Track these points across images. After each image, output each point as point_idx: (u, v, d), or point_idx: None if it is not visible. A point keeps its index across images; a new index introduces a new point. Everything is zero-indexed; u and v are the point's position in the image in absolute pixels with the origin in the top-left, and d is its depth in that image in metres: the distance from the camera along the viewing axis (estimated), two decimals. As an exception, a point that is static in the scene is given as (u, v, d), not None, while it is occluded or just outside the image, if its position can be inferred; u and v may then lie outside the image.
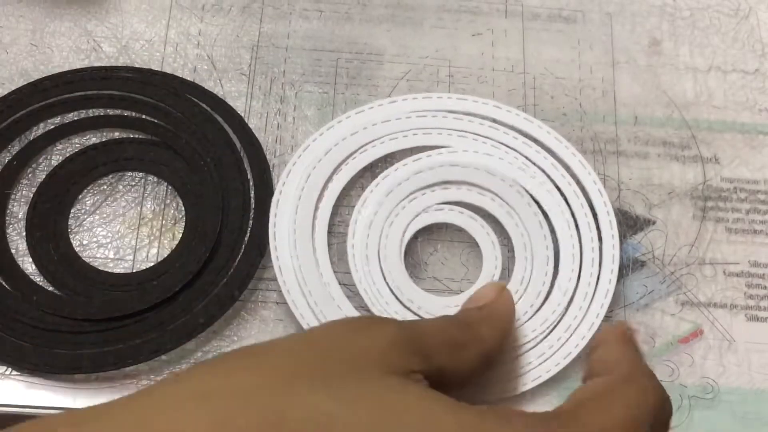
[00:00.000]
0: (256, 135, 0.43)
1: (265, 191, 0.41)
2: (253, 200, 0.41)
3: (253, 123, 0.43)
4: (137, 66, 0.44)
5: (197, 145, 0.42)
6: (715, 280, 0.42)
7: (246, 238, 0.40)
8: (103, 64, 0.44)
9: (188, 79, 0.44)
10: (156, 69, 0.44)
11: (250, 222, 0.40)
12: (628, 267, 0.41)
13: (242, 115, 0.43)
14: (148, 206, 0.41)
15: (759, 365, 0.40)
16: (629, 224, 0.42)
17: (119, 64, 0.44)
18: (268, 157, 0.42)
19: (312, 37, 0.46)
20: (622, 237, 0.42)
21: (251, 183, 0.41)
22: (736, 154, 0.44)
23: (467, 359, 0.31)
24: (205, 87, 0.44)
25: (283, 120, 0.44)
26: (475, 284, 0.40)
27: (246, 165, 0.42)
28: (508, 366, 0.38)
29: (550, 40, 0.47)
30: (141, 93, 0.43)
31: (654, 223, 0.42)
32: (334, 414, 0.24)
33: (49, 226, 0.40)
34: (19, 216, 0.41)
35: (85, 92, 0.43)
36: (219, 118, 0.43)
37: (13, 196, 0.41)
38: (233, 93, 0.44)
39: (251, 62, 0.45)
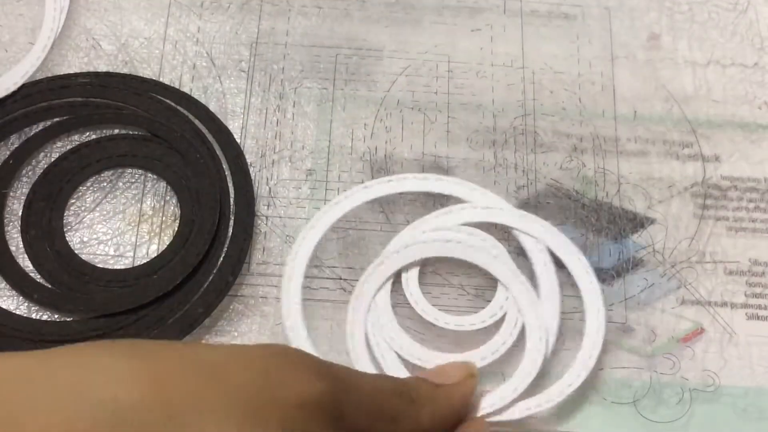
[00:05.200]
0: (256, 131, 0.43)
1: (243, 176, 0.41)
2: (231, 187, 0.41)
3: (252, 119, 0.43)
4: (103, 71, 0.44)
5: (170, 137, 0.42)
6: (715, 277, 0.42)
7: (231, 224, 0.40)
8: (102, 62, 0.44)
9: (158, 79, 0.44)
10: (113, 71, 0.44)
11: (232, 208, 0.41)
12: (628, 262, 0.41)
13: (241, 111, 0.43)
14: (148, 203, 0.41)
15: (760, 359, 0.40)
16: (629, 218, 0.42)
17: (118, 62, 0.44)
18: (266, 153, 0.43)
19: (311, 34, 0.46)
20: (621, 232, 0.42)
21: (227, 170, 0.41)
22: (736, 147, 0.44)
23: None
24: (205, 83, 0.44)
25: (283, 116, 0.44)
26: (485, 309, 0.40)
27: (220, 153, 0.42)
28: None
29: (549, 35, 0.47)
30: (101, 97, 0.43)
31: (654, 220, 0.42)
32: None
33: (44, 224, 0.40)
34: (18, 214, 0.41)
35: (47, 102, 0.43)
36: (184, 111, 0.43)
37: (12, 194, 0.41)
38: (232, 90, 0.44)
39: (250, 59, 0.45)
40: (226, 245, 0.40)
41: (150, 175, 0.42)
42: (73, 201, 0.41)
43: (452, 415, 0.30)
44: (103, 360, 0.22)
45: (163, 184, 0.42)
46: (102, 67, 0.44)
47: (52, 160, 0.42)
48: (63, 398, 0.21)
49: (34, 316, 0.39)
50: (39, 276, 0.39)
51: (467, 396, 0.31)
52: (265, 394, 0.23)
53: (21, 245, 0.40)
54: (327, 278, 0.40)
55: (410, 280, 0.40)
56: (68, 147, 0.42)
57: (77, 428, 0.21)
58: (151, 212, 0.41)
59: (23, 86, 0.43)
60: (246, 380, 0.23)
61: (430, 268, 0.41)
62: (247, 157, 0.42)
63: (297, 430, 0.23)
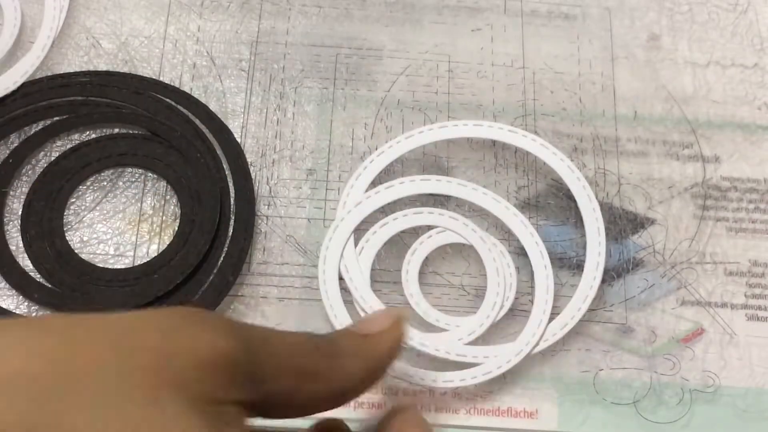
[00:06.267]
0: (256, 131, 0.43)
1: (243, 176, 0.41)
2: (232, 186, 0.41)
3: (252, 119, 0.43)
4: (100, 69, 0.44)
5: (170, 136, 0.42)
6: (715, 278, 0.42)
7: (231, 224, 0.40)
8: (102, 61, 0.44)
9: (158, 78, 0.44)
10: (113, 70, 0.44)
11: (233, 208, 0.41)
12: (628, 263, 0.41)
13: (241, 111, 0.43)
14: (148, 202, 0.41)
15: (760, 359, 0.40)
16: (629, 219, 0.42)
17: (119, 61, 0.44)
18: (267, 152, 0.43)
19: (311, 33, 0.46)
20: (621, 233, 0.42)
21: (227, 170, 0.42)
22: (736, 148, 0.44)
23: (313, 392, 0.26)
24: (205, 83, 0.44)
25: (283, 116, 0.44)
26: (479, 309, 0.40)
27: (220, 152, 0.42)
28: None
29: (550, 35, 0.47)
30: (101, 96, 0.43)
31: (654, 221, 0.42)
32: None
33: (44, 223, 0.40)
34: (18, 213, 0.40)
35: (47, 101, 0.43)
36: (184, 110, 0.43)
37: (12, 193, 0.41)
38: (233, 89, 0.44)
39: (250, 58, 0.45)
40: (226, 245, 0.40)
41: (150, 174, 0.42)
42: (73, 200, 0.41)
43: (380, 366, 0.28)
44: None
45: (163, 183, 0.42)
46: (102, 66, 0.44)
47: (52, 159, 0.42)
48: None
49: (34, 315, 0.39)
50: (39, 276, 0.39)
51: (395, 342, 0.29)
52: (162, 355, 0.22)
53: (21, 245, 0.40)
54: (327, 278, 0.40)
55: (411, 281, 0.40)
56: (68, 146, 0.42)
57: None
58: (151, 211, 0.41)
59: (23, 85, 0.43)
60: (143, 342, 0.22)
61: (430, 268, 0.41)
62: (247, 156, 0.42)
63: (194, 392, 0.21)
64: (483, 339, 0.39)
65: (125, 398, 0.21)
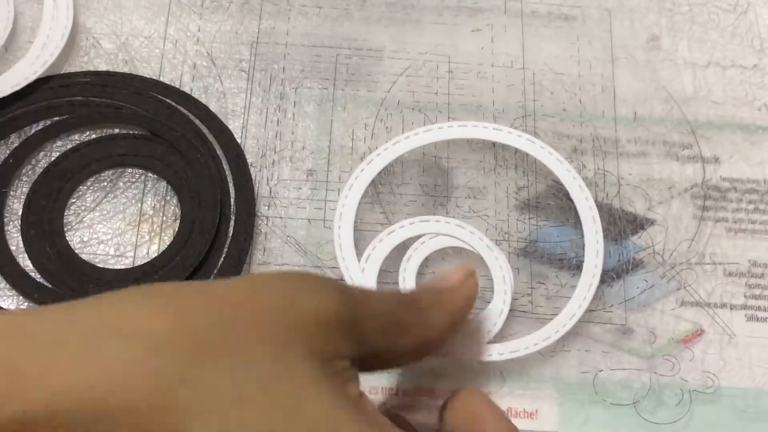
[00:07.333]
0: (256, 131, 0.43)
1: (243, 176, 0.41)
2: (232, 186, 0.41)
3: (252, 119, 0.43)
4: (100, 69, 0.44)
5: (173, 137, 0.42)
6: (715, 278, 0.42)
7: (231, 224, 0.40)
8: (102, 61, 0.44)
9: (159, 78, 0.44)
10: (113, 71, 0.44)
11: (233, 208, 0.41)
12: (628, 263, 0.41)
13: (242, 111, 0.43)
14: (149, 203, 0.41)
15: (759, 360, 0.40)
16: (629, 219, 0.42)
17: (119, 61, 0.44)
18: (267, 153, 0.43)
19: (311, 34, 0.46)
20: (621, 234, 0.42)
21: (228, 170, 0.42)
22: (736, 149, 0.45)
23: (405, 345, 0.29)
24: (206, 83, 0.44)
25: (283, 116, 0.44)
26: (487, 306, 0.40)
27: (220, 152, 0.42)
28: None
29: (550, 36, 0.47)
30: (102, 96, 0.43)
31: (654, 222, 0.42)
32: (226, 396, 0.22)
33: (44, 223, 0.40)
34: (18, 213, 0.40)
35: (47, 101, 0.43)
36: (184, 111, 0.43)
37: (12, 193, 0.41)
38: (233, 89, 0.44)
39: (250, 59, 0.45)
40: (226, 245, 0.40)
41: (150, 174, 0.42)
42: (73, 200, 0.41)
43: (459, 317, 0.32)
44: (126, 303, 0.24)
45: (163, 183, 0.42)
46: (102, 66, 0.44)
47: (53, 159, 0.42)
48: (97, 341, 0.22)
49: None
50: (39, 276, 0.39)
51: (469, 296, 0.32)
52: (287, 316, 0.24)
53: (21, 245, 0.40)
54: (327, 279, 0.40)
55: (407, 280, 0.40)
56: (68, 146, 0.42)
57: (122, 362, 0.22)
58: (151, 212, 0.41)
59: (21, 90, 0.42)
60: (268, 305, 0.25)
61: (431, 268, 0.41)
62: (247, 157, 0.42)
63: (317, 349, 0.24)
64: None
65: (257, 356, 0.23)
